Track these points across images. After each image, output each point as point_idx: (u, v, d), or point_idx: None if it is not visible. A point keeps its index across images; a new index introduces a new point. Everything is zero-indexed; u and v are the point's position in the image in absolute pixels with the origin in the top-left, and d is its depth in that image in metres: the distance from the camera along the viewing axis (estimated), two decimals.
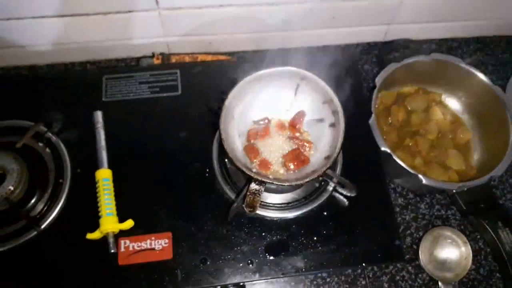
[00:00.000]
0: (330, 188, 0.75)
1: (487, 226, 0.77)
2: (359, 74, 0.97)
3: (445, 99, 0.94)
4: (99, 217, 0.69)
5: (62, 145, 0.76)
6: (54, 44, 0.90)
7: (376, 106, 0.88)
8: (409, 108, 0.91)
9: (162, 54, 0.90)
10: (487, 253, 0.82)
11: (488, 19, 1.00)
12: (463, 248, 0.80)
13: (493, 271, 0.81)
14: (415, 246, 0.83)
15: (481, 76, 0.85)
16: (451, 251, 0.80)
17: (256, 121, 0.74)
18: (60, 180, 0.73)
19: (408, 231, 0.84)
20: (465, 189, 0.78)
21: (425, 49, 1.00)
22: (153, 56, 0.90)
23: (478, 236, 0.84)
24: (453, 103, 0.93)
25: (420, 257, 0.80)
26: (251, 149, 0.71)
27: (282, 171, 0.71)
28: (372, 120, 0.80)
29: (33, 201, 0.72)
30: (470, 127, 0.91)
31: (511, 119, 0.81)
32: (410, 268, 0.81)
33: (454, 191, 0.79)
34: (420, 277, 0.80)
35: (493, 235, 0.76)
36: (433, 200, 0.87)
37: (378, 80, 0.84)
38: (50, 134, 0.76)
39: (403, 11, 0.92)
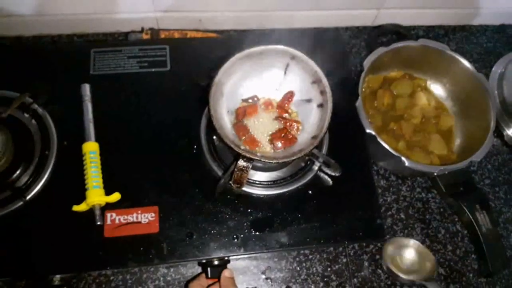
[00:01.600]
0: (316, 167, 0.76)
1: (465, 208, 0.80)
2: (348, 57, 0.98)
3: (430, 85, 0.95)
4: (85, 190, 0.69)
5: (48, 117, 0.75)
6: (40, 15, 0.88)
7: (363, 89, 0.89)
8: (394, 93, 0.93)
9: (151, 29, 0.89)
10: (464, 235, 0.85)
11: (475, 8, 1.02)
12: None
13: (469, 252, 0.84)
14: (395, 227, 0.85)
15: (466, 63, 0.87)
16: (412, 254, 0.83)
17: (245, 99, 0.75)
18: (46, 152, 0.73)
19: (389, 212, 0.86)
20: (446, 172, 0.81)
21: (413, 35, 1.02)
22: (142, 31, 0.89)
23: (456, 219, 0.87)
24: (438, 89, 0.95)
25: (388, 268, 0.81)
26: (239, 127, 0.72)
27: (269, 149, 0.72)
28: (358, 103, 0.81)
29: (18, 171, 0.71)
30: (453, 113, 0.93)
31: (492, 107, 0.83)
32: None
33: (435, 174, 0.82)
34: None
35: (471, 217, 0.79)
36: (415, 183, 0.89)
37: (366, 64, 0.85)
38: (36, 106, 0.75)
39: None
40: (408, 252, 0.82)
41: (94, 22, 0.92)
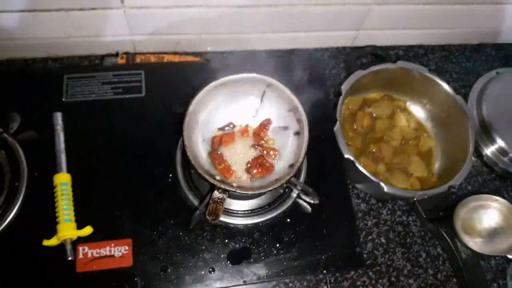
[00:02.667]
0: (294, 194, 0.75)
1: (445, 235, 0.79)
2: (327, 78, 0.98)
3: (410, 106, 0.95)
4: (56, 223, 0.67)
5: (18, 147, 0.73)
6: (13, 39, 0.86)
7: (342, 111, 0.89)
8: (374, 115, 0.92)
9: (126, 53, 0.88)
10: (445, 259, 0.85)
11: (454, 28, 1.02)
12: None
13: (450, 276, 0.84)
14: (376, 252, 0.84)
15: (445, 85, 0.87)
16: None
17: (221, 127, 0.74)
18: (16, 184, 0.71)
19: (370, 237, 0.85)
20: (425, 197, 0.80)
21: (392, 55, 1.02)
22: (117, 55, 0.88)
23: (436, 242, 0.86)
24: (417, 111, 0.95)
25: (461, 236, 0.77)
26: (215, 156, 0.71)
27: (245, 177, 0.71)
28: (336, 128, 0.81)
29: None
30: (433, 134, 0.93)
31: (471, 130, 0.83)
32: (371, 273, 0.82)
33: (414, 199, 0.81)
34: (381, 282, 0.82)
35: (450, 243, 0.78)
36: (395, 206, 0.89)
37: (344, 87, 0.84)
38: (6, 135, 0.73)
39: (371, 17, 0.93)
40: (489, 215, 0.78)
41: (68, 45, 0.90)
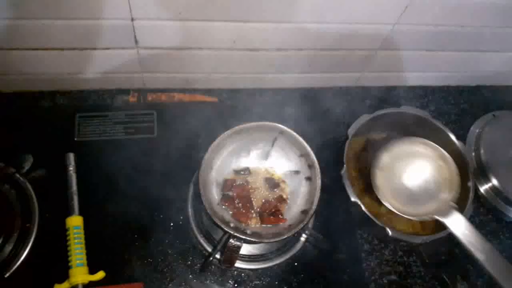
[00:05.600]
0: (303, 239, 0.76)
1: (447, 280, 0.81)
2: (331, 117, 1.00)
3: None
4: (68, 267, 0.67)
5: (30, 188, 0.73)
6: (23, 74, 0.86)
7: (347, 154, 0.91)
8: None
9: (138, 91, 0.88)
10: None
11: (453, 72, 1.06)
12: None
13: None
14: None
15: (447, 131, 0.90)
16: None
17: (237, 171, 0.75)
18: (27, 225, 0.71)
19: (373, 277, 0.87)
20: (428, 241, 0.82)
21: (394, 96, 1.05)
22: (129, 93, 0.88)
23: (436, 283, 0.88)
24: None
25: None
26: (227, 200, 0.72)
27: (257, 221, 0.72)
28: (343, 171, 0.82)
29: None
30: None
31: (471, 176, 0.86)
32: None
33: (417, 243, 0.83)
34: None
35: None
36: (397, 247, 0.91)
37: (350, 132, 0.86)
38: (17, 176, 0.73)
39: (374, 62, 0.96)
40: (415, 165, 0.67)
41: (78, 80, 0.90)
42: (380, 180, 0.72)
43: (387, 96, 1.02)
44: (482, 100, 1.11)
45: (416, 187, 0.75)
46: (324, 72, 0.98)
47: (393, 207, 0.71)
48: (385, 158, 0.73)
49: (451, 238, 0.91)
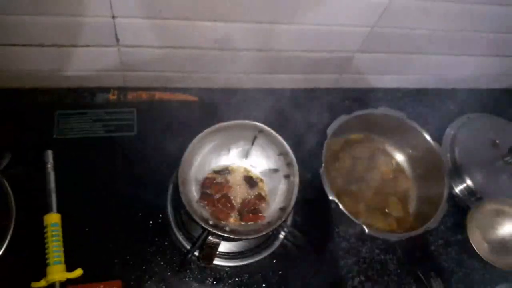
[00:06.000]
0: (281, 236, 0.77)
1: (421, 276, 0.83)
2: (310, 118, 1.01)
3: (389, 148, 1.00)
4: (46, 265, 0.67)
5: (7, 185, 0.72)
6: (2, 71, 0.85)
7: (326, 154, 0.92)
8: (354, 156, 0.96)
9: (118, 89, 0.88)
10: None
11: (430, 74, 1.08)
12: None
13: None
14: None
15: (423, 131, 0.92)
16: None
17: (216, 170, 0.76)
18: (4, 222, 0.70)
19: (350, 275, 0.88)
20: (403, 239, 0.84)
21: (372, 97, 1.07)
22: (109, 91, 0.88)
23: (412, 280, 0.90)
24: (396, 153, 1.00)
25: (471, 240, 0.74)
26: (206, 198, 0.72)
27: (234, 217, 0.73)
28: (322, 170, 0.84)
29: None
30: (410, 176, 0.98)
31: (447, 176, 0.88)
32: None
33: (393, 240, 0.85)
34: None
35: (426, 284, 0.83)
36: (374, 245, 0.92)
37: (329, 131, 0.88)
38: None
39: (354, 64, 0.98)
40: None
41: (58, 78, 0.89)
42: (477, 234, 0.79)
43: (365, 98, 1.04)
44: (457, 103, 1.14)
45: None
46: (304, 73, 1.00)
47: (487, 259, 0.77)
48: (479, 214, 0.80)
49: (426, 236, 0.94)
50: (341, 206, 0.82)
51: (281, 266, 0.76)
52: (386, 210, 0.92)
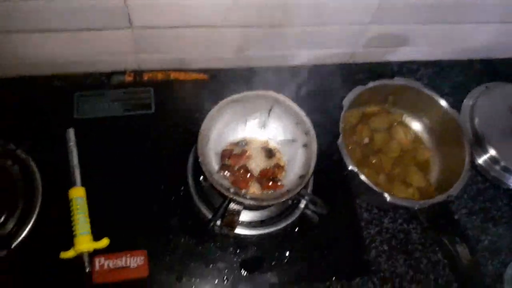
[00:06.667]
0: (302, 205, 0.78)
1: (446, 242, 0.82)
2: (327, 93, 1.01)
3: (406, 119, 0.99)
4: (73, 236, 0.68)
5: (32, 163, 0.74)
6: (20, 58, 0.88)
7: (343, 125, 0.92)
8: (372, 128, 0.96)
9: (134, 71, 0.90)
10: (445, 264, 0.88)
11: (445, 45, 1.07)
12: None
13: (450, 281, 0.87)
14: (379, 259, 0.87)
15: (440, 100, 0.91)
16: None
17: (234, 142, 0.76)
18: (32, 198, 0.72)
19: (373, 244, 0.88)
20: (426, 206, 0.83)
21: (387, 70, 1.06)
22: (124, 73, 0.90)
23: (437, 249, 0.89)
24: (414, 123, 0.99)
25: None
26: (226, 169, 0.73)
27: (257, 187, 0.73)
28: (340, 141, 0.84)
29: (2, 219, 0.70)
30: (429, 146, 0.97)
31: (466, 143, 0.87)
32: (375, 279, 0.84)
33: (415, 208, 0.84)
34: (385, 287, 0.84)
35: (452, 249, 0.81)
36: (396, 215, 0.92)
37: (345, 103, 0.88)
38: (19, 152, 0.74)
39: (367, 36, 0.97)
40: None
41: (73, 63, 0.91)
42: None
43: (380, 71, 1.03)
44: (474, 73, 1.12)
45: None
46: (317, 49, 1.00)
47: None
48: None
49: (449, 206, 0.93)
50: (361, 175, 0.81)
51: (303, 234, 0.76)
52: (407, 180, 0.91)
